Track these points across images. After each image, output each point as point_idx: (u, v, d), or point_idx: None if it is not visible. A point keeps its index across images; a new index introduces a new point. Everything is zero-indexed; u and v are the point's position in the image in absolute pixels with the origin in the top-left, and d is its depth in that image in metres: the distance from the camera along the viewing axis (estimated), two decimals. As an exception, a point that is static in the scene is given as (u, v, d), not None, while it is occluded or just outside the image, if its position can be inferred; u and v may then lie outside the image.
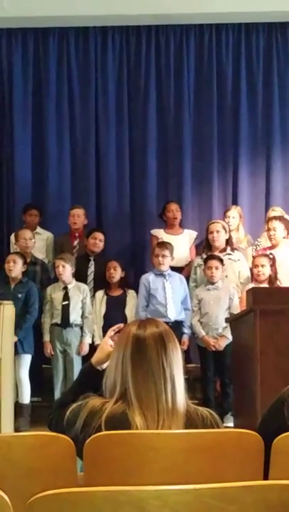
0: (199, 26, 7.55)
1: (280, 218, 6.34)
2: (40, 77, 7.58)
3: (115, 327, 2.45)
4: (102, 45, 7.60)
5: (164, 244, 6.17)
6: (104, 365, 2.28)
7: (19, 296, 5.87)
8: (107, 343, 2.38)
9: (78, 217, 6.78)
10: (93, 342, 5.98)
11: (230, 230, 6.42)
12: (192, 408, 2.05)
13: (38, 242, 6.62)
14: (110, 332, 2.45)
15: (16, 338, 5.66)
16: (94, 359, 2.38)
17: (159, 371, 2.00)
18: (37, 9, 7.15)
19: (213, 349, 5.80)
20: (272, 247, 6.23)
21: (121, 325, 2.41)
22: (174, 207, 6.88)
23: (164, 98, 7.57)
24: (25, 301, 5.89)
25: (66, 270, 6.02)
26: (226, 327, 5.63)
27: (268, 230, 6.25)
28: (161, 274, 6.04)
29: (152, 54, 7.58)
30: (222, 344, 5.78)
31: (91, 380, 2.32)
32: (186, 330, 6.00)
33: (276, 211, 6.75)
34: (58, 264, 6.07)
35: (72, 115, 7.58)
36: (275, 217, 6.32)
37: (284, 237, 6.26)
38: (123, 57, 7.60)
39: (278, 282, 5.84)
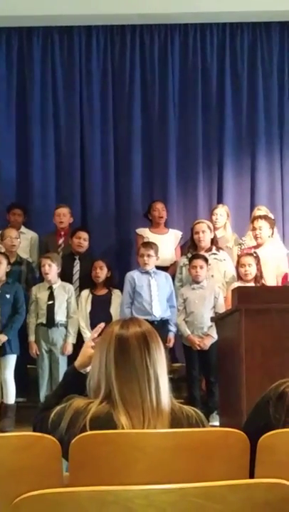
0: (184, 26, 7.55)
1: (265, 217, 6.36)
2: (24, 76, 7.55)
3: (97, 328, 2.43)
4: (86, 44, 7.58)
5: (149, 244, 6.17)
6: (88, 369, 2.25)
7: (7, 296, 5.84)
8: (89, 347, 2.36)
9: (64, 215, 6.77)
10: (79, 340, 5.94)
11: (215, 229, 6.43)
12: (177, 407, 2.05)
13: (22, 241, 6.57)
14: (94, 334, 2.43)
15: (5, 338, 5.64)
16: (77, 362, 2.36)
17: (142, 371, 1.99)
18: (21, 8, 7.12)
19: (198, 348, 5.81)
20: (258, 246, 6.25)
21: (102, 324, 2.39)
22: (159, 206, 6.88)
23: (148, 97, 7.56)
24: (13, 303, 5.87)
25: (52, 269, 6.00)
26: (211, 326, 5.63)
27: (254, 229, 6.27)
28: (146, 272, 6.04)
29: (137, 53, 7.58)
30: (207, 343, 5.78)
31: (75, 383, 2.30)
32: (172, 328, 6.01)
33: (261, 210, 6.77)
34: (44, 263, 6.05)
35: (56, 114, 7.55)
36: (260, 217, 6.35)
37: (269, 236, 6.29)
38: (107, 57, 7.59)
39: (263, 281, 5.86)
